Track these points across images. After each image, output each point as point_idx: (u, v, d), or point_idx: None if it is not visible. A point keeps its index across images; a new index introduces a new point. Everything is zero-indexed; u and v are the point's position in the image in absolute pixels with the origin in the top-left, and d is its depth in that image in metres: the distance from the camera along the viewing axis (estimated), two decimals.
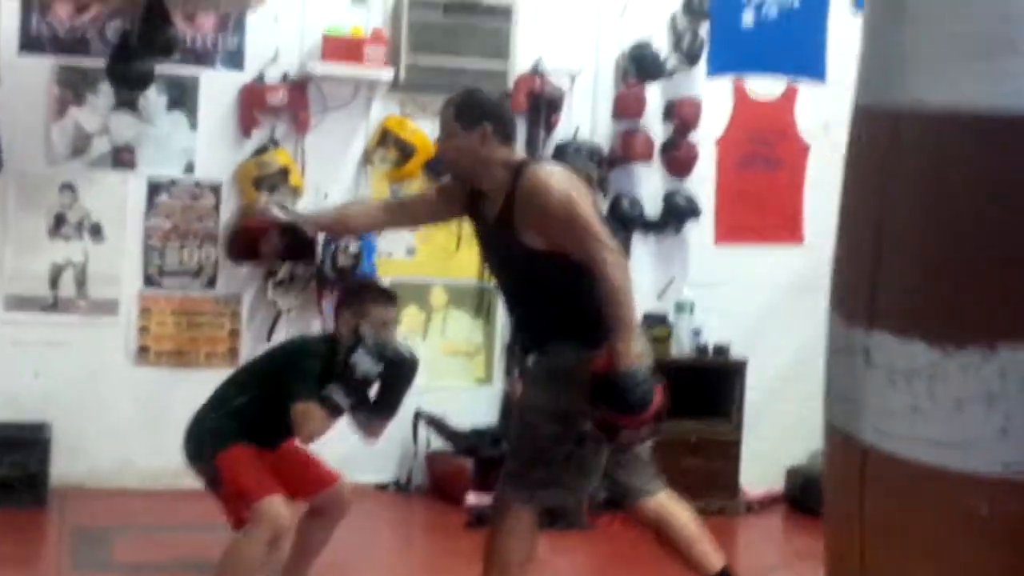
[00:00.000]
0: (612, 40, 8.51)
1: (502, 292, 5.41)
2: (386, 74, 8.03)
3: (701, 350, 8.41)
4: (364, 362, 5.35)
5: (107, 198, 7.90)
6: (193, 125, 8.01)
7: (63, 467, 7.63)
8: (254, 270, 7.94)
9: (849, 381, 2.42)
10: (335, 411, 5.33)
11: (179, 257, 8.01)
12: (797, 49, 8.85)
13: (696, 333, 8.41)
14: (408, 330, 8.12)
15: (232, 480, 5.36)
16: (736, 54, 8.75)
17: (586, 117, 8.49)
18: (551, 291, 4.91)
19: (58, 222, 7.83)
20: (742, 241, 8.78)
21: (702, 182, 8.68)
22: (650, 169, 8.60)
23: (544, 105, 8.25)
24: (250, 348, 7.84)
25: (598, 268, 4.71)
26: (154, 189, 7.97)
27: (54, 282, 7.82)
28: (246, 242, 5.88)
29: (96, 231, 7.88)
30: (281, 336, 7.71)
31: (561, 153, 8.20)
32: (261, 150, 8.02)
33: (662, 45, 8.50)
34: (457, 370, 8.46)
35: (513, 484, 5.03)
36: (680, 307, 8.43)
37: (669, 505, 5.28)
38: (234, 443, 5.40)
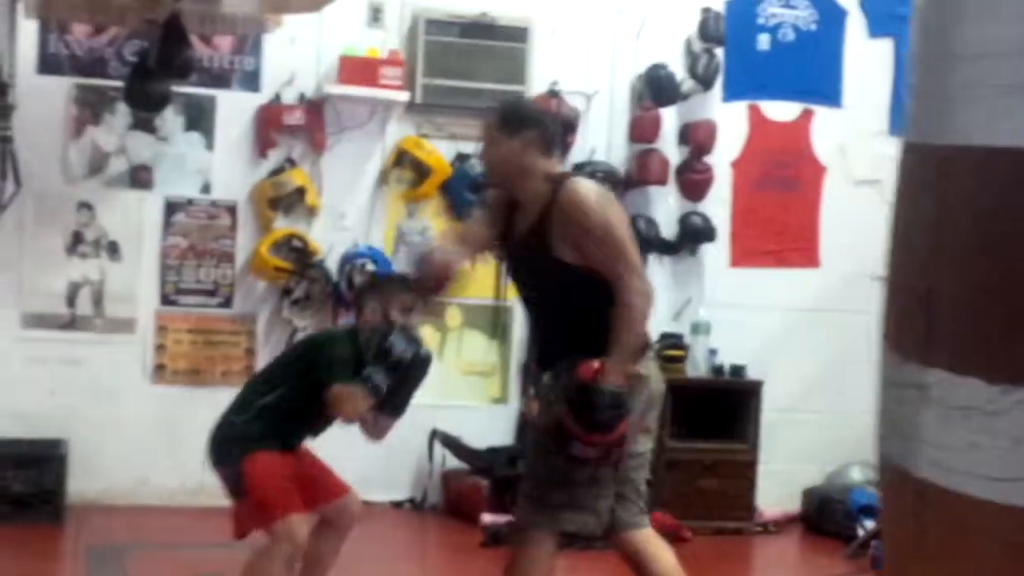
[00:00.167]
0: (628, 63, 8.53)
1: (526, 306, 5.36)
2: (402, 95, 8.06)
3: (717, 371, 8.42)
4: (399, 344, 5.41)
5: (124, 217, 7.95)
6: (210, 145, 8.05)
7: (79, 484, 7.65)
8: (270, 289, 7.99)
9: (904, 416, 2.42)
10: (375, 391, 5.36)
11: (195, 276, 8.04)
12: (813, 73, 8.86)
13: (712, 354, 8.42)
14: None
15: (257, 490, 5.36)
16: (752, 78, 8.77)
17: (602, 139, 8.52)
18: (577, 306, 4.85)
19: (75, 240, 7.88)
20: (758, 264, 8.77)
21: (717, 204, 8.69)
22: (665, 191, 8.61)
23: (560, 127, 8.26)
24: None
25: (622, 291, 4.69)
26: (171, 208, 8.02)
27: (71, 300, 7.86)
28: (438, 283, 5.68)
29: (113, 250, 7.93)
30: None
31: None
32: (277, 170, 8.06)
33: (677, 68, 8.53)
34: (472, 390, 8.47)
35: (533, 507, 4.94)
36: (696, 328, 8.43)
37: (655, 544, 5.07)
38: (261, 448, 5.39)
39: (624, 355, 4.69)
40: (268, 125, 8.05)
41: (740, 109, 8.76)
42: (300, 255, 8.01)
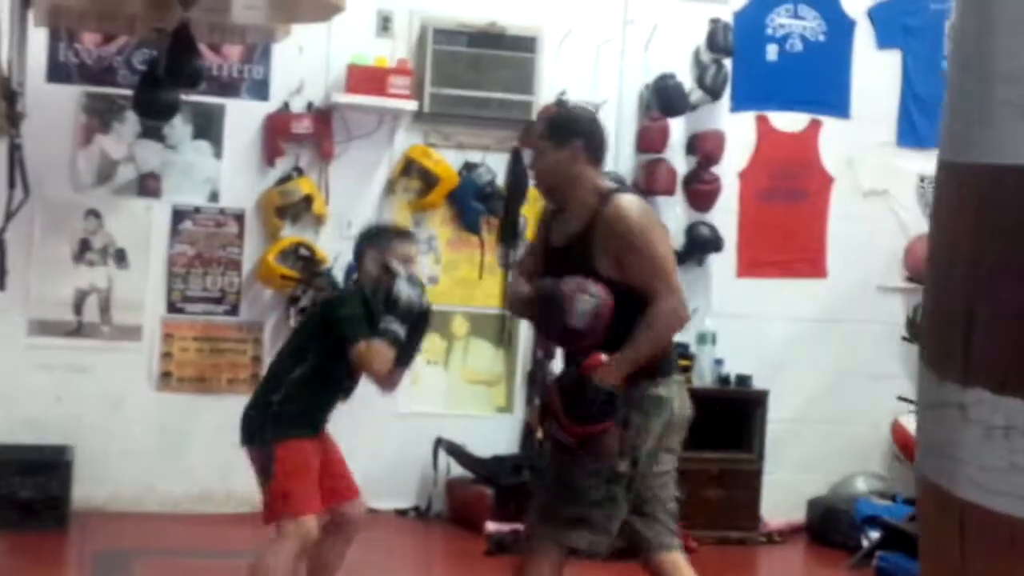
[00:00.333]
0: (636, 72, 8.54)
1: None
2: (410, 104, 8.08)
3: (723, 381, 8.42)
4: (405, 289, 5.41)
5: (132, 225, 7.97)
6: (218, 154, 8.08)
7: (85, 491, 7.67)
8: (276, 297, 8.01)
9: (943, 436, 2.41)
10: (395, 341, 5.37)
11: (202, 284, 8.06)
12: (821, 84, 8.86)
13: (718, 363, 8.41)
14: (429, 358, 8.16)
15: (284, 481, 5.37)
16: (760, 88, 8.77)
17: (610, 149, 8.49)
18: (613, 320, 4.81)
19: (83, 248, 7.90)
20: (764, 275, 8.77)
21: (725, 214, 8.69)
22: (673, 201, 8.61)
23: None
24: None
25: (655, 302, 4.67)
26: (178, 216, 8.04)
27: (78, 307, 7.89)
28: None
29: (120, 257, 7.95)
30: None
31: None
32: (285, 179, 8.08)
33: (686, 78, 8.53)
34: (478, 398, 8.48)
35: (544, 518, 4.92)
36: (702, 338, 8.42)
37: (684, 568, 5.05)
38: (293, 436, 5.40)
39: (631, 359, 4.67)
40: (276, 134, 8.07)
41: (748, 119, 8.76)
42: (307, 263, 8.03)
